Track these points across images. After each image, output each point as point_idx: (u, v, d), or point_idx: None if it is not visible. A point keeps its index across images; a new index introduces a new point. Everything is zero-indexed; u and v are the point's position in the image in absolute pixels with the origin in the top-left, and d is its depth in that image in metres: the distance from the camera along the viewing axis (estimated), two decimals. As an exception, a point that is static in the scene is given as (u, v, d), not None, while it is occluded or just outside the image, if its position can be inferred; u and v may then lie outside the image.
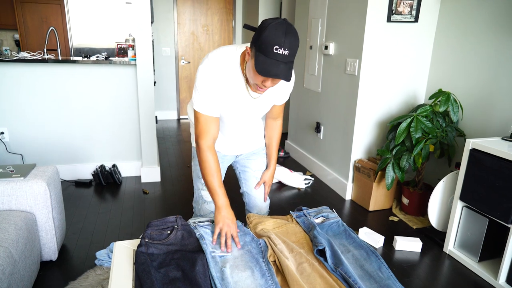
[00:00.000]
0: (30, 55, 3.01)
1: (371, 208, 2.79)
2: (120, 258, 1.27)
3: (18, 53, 3.05)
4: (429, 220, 2.45)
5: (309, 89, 3.59)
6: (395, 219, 2.69)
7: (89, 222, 2.52)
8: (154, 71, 5.51)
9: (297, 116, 3.97)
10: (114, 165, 3.24)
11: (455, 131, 2.54)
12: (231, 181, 2.07)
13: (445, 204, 2.41)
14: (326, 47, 3.17)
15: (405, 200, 2.74)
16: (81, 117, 3.12)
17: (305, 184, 3.27)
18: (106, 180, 3.13)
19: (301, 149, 3.91)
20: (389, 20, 2.68)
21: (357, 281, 1.12)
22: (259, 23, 1.21)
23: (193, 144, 1.67)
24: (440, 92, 2.54)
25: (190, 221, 1.46)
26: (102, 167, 3.16)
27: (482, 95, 2.46)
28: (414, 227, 2.57)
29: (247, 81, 1.34)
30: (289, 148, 4.19)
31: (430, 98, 2.57)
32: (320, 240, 1.28)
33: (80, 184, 3.13)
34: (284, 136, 4.61)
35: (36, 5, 4.69)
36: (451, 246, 2.25)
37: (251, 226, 1.46)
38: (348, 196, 3.01)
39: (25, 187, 1.85)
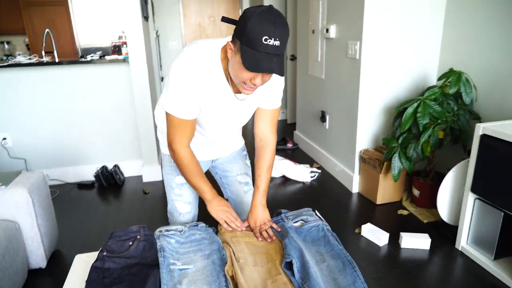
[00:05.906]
0: (27, 59, 3.01)
1: (378, 202, 2.60)
2: (75, 274, 1.19)
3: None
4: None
5: (314, 76, 3.39)
6: (405, 212, 2.49)
7: (85, 226, 2.50)
8: (161, 66, 5.46)
9: (304, 105, 3.78)
10: (115, 165, 3.22)
11: (469, 114, 2.29)
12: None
13: (456, 196, 2.19)
14: (327, 30, 2.96)
15: (416, 192, 2.53)
16: (81, 118, 3.10)
17: (311, 177, 3.11)
18: (108, 181, 3.11)
19: (308, 140, 3.73)
20: (391, -5, 2.43)
21: (323, 299, 0.98)
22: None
23: (163, 151, 1.52)
24: (450, 72, 2.30)
25: (158, 229, 1.36)
26: (103, 168, 3.14)
27: (499, 73, 2.19)
28: (425, 221, 2.36)
29: (230, 81, 1.16)
30: (297, 139, 4.02)
31: (440, 79, 2.33)
32: (289, 251, 1.14)
33: (82, 186, 3.13)
34: (292, 126, 4.44)
35: (42, 8, 4.73)
36: (463, 242, 2.04)
37: (221, 233, 1.35)
38: (355, 189, 2.83)
39: (6, 196, 1.82)
